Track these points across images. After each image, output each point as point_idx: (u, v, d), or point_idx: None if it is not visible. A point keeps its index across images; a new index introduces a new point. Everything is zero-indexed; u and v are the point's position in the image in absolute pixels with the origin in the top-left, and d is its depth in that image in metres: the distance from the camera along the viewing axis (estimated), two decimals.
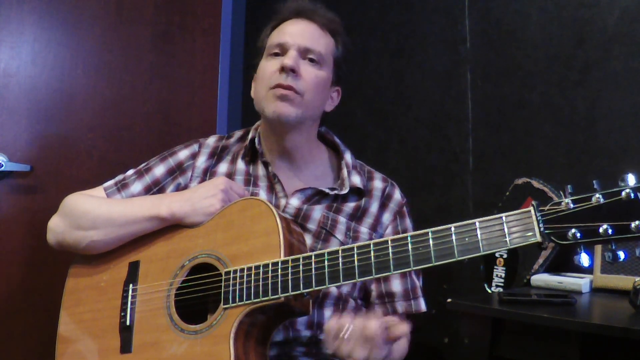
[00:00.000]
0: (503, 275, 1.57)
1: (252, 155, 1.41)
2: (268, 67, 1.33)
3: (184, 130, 2.27)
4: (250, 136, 1.41)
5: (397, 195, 1.42)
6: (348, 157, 1.42)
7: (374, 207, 1.38)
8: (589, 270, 1.43)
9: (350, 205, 1.36)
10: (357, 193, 1.38)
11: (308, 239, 1.27)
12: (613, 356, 1.15)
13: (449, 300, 1.34)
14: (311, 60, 1.32)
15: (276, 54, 1.33)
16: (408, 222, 1.41)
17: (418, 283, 1.38)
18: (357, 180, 1.38)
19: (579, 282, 1.40)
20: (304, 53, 1.32)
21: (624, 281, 1.35)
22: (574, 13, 1.64)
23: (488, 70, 1.82)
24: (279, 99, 1.28)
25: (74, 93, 2.07)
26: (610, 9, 1.56)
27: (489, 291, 1.58)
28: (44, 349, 1.52)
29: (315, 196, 1.36)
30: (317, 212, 1.34)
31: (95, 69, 2.11)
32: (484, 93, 1.82)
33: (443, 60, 1.93)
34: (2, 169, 1.90)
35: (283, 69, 1.28)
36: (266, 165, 1.38)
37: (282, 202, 1.34)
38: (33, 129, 1.99)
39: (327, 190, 1.35)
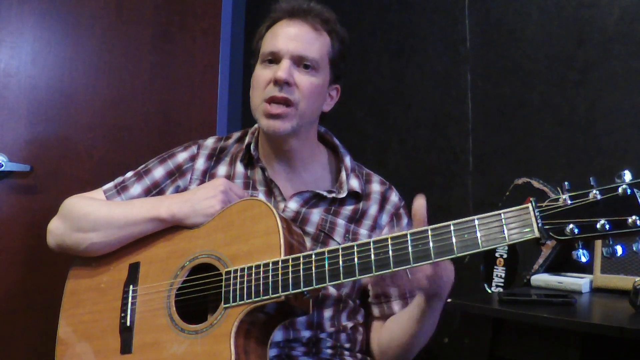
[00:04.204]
0: (503, 275, 1.57)
1: (249, 159, 1.40)
2: (262, 77, 1.31)
3: (184, 130, 2.27)
4: (246, 141, 1.41)
5: (394, 197, 1.42)
6: (347, 160, 1.41)
7: (372, 210, 1.38)
8: (589, 270, 1.43)
9: (348, 208, 1.36)
10: (355, 197, 1.38)
11: (307, 242, 1.27)
12: (613, 356, 1.15)
13: (449, 300, 1.34)
14: (305, 66, 1.30)
15: (270, 61, 1.31)
16: (404, 224, 1.40)
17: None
18: (355, 184, 1.38)
19: (579, 282, 1.40)
20: (297, 60, 1.29)
21: (624, 281, 1.35)
22: (574, 13, 1.64)
23: (488, 70, 1.82)
24: (272, 118, 1.28)
25: (74, 93, 2.07)
26: (610, 9, 1.56)
27: (489, 291, 1.58)
28: (44, 349, 1.52)
29: (313, 199, 1.36)
30: (316, 215, 1.34)
31: (95, 69, 2.11)
32: (484, 93, 1.82)
33: (443, 60, 1.93)
34: (2, 169, 1.90)
35: (277, 82, 1.27)
36: (263, 170, 1.38)
37: (281, 205, 1.34)
38: (33, 129, 1.99)
39: (324, 193, 1.35)
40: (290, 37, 1.30)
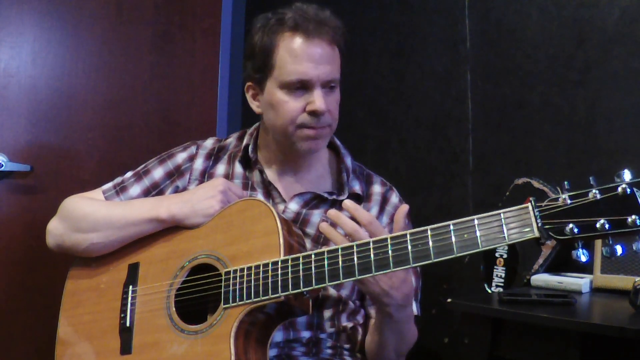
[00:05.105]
0: (503, 275, 1.57)
1: (247, 161, 1.40)
2: (291, 105, 1.27)
3: (184, 130, 2.27)
4: (244, 143, 1.41)
5: (394, 199, 1.42)
6: (348, 161, 1.42)
7: (373, 211, 1.38)
8: (589, 270, 1.43)
9: None
10: (356, 198, 1.37)
11: (307, 243, 1.28)
12: (613, 356, 1.15)
13: (449, 300, 1.34)
14: (331, 87, 1.30)
15: (297, 88, 1.27)
16: (405, 225, 1.39)
17: (412, 286, 1.36)
18: (356, 186, 1.38)
19: (579, 282, 1.40)
20: (326, 84, 1.29)
21: (624, 281, 1.35)
22: (574, 13, 1.63)
23: (488, 70, 1.82)
24: (315, 139, 1.30)
25: (74, 93, 2.07)
26: (610, 9, 1.56)
27: (489, 291, 1.58)
28: (43, 349, 1.52)
29: (314, 200, 1.36)
30: (316, 216, 1.34)
31: (95, 69, 2.11)
32: (484, 93, 1.82)
33: (443, 60, 1.93)
34: (2, 169, 1.90)
35: (316, 113, 1.26)
36: (261, 172, 1.38)
37: (280, 207, 1.34)
38: (33, 129, 1.99)
39: (325, 195, 1.35)
40: (316, 60, 1.26)
